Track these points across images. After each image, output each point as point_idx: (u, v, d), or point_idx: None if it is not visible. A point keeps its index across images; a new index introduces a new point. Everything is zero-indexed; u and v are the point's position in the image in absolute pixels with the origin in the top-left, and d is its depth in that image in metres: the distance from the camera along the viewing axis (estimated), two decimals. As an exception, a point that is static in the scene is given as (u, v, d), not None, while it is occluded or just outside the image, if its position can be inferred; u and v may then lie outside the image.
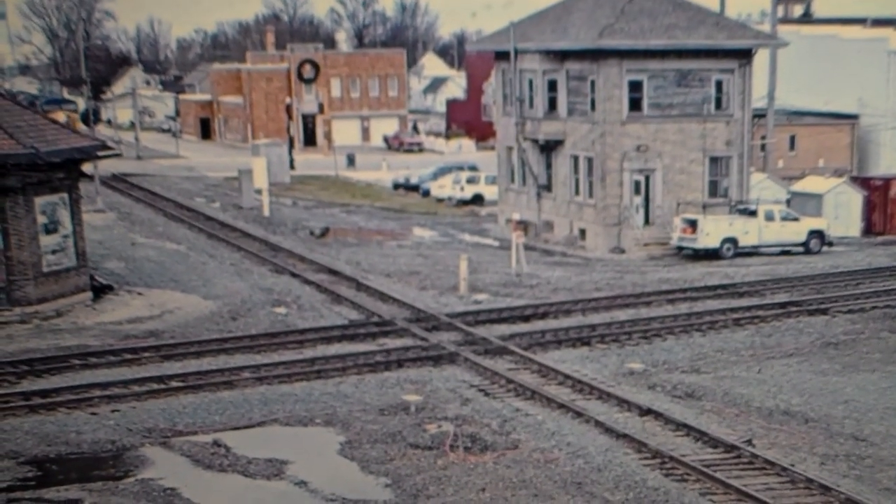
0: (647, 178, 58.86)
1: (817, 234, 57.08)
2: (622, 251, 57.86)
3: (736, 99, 59.52)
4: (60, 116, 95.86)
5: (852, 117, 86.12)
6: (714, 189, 60.16)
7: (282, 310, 41.47)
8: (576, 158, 60.91)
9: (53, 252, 40.40)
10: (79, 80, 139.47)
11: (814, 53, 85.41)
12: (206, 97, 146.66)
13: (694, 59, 58.51)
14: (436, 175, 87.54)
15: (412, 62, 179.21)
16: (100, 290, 43.21)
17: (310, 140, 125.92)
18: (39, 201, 39.71)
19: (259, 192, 72.09)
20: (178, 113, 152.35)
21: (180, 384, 31.61)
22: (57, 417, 28.95)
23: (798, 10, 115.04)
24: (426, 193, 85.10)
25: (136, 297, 43.18)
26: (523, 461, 25.66)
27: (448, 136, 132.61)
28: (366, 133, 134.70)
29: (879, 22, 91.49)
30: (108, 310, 41.16)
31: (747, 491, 23.31)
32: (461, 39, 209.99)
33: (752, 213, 56.51)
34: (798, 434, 27.72)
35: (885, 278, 47.44)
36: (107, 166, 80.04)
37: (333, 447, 27.07)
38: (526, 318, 40.39)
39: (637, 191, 58.73)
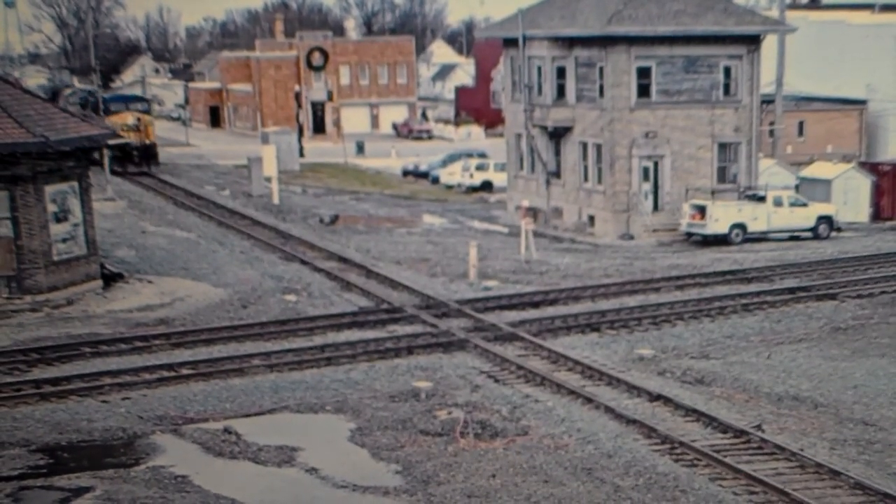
0: (655, 165, 58.87)
1: (826, 220, 57.09)
2: (631, 237, 57.89)
3: (744, 85, 59.49)
4: (127, 118, 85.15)
5: (860, 103, 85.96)
6: (723, 175, 60.17)
7: (292, 297, 41.56)
8: (584, 145, 60.93)
9: (64, 240, 40.50)
10: (88, 69, 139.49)
11: (822, 39, 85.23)
12: (216, 85, 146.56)
13: (702, 46, 58.49)
14: (445, 162, 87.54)
15: (421, 49, 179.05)
16: (110, 279, 43.29)
17: (319, 128, 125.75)
18: (49, 190, 39.79)
19: (269, 179, 72.15)
20: (187, 101, 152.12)
21: (191, 372, 31.72)
22: (68, 405, 29.06)
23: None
24: (435, 180, 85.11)
25: (146, 285, 43.27)
26: (533, 447, 25.73)
27: (457, 124, 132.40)
28: (375, 120, 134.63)
29: (887, 7, 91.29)
30: (118, 298, 41.27)
31: (757, 476, 23.36)
32: (470, 26, 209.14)
33: (761, 199, 56.51)
34: (807, 419, 27.77)
35: (894, 263, 47.41)
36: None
37: (344, 434, 27.16)
38: (535, 305, 40.46)
39: (646, 177, 58.75)
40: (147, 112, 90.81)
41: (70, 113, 44.57)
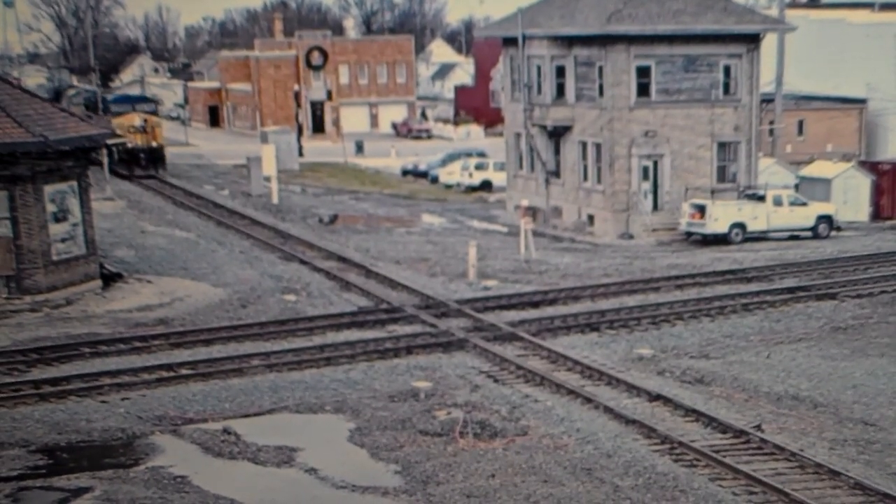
0: (655, 164, 58.86)
1: (826, 219, 57.07)
2: (631, 237, 57.87)
3: (744, 84, 59.48)
4: (134, 119, 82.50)
5: (860, 102, 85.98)
6: (722, 174, 60.17)
7: (291, 297, 41.54)
8: (584, 144, 60.92)
9: (63, 240, 40.47)
10: (87, 68, 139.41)
11: (821, 38, 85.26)
12: (215, 85, 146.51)
13: (702, 45, 58.49)
14: (444, 161, 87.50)
15: (420, 48, 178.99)
16: (109, 279, 43.26)
17: (318, 127, 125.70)
18: (49, 189, 39.77)
19: (268, 179, 72.14)
20: (186, 101, 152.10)
21: (190, 372, 31.68)
22: (67, 406, 29.03)
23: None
24: (435, 180, 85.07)
25: (145, 285, 43.24)
26: (533, 447, 25.70)
27: (456, 123, 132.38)
28: (374, 120, 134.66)
29: (887, 6, 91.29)
30: (117, 298, 41.23)
31: (757, 476, 23.33)
32: (469, 26, 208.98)
33: (761, 199, 56.48)
34: (807, 419, 27.75)
35: (894, 263, 47.37)
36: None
37: (343, 434, 27.13)
38: (535, 304, 40.43)
39: (645, 176, 58.74)
40: (154, 113, 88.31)
41: (69, 112, 44.53)
